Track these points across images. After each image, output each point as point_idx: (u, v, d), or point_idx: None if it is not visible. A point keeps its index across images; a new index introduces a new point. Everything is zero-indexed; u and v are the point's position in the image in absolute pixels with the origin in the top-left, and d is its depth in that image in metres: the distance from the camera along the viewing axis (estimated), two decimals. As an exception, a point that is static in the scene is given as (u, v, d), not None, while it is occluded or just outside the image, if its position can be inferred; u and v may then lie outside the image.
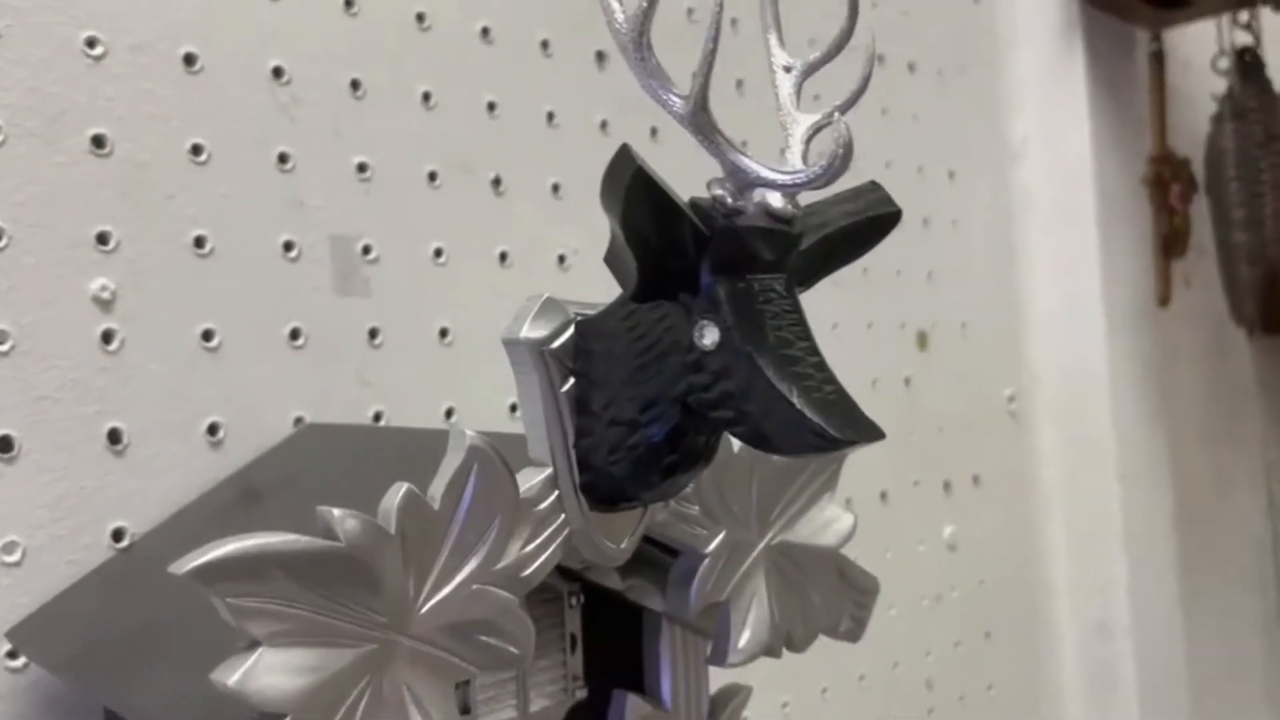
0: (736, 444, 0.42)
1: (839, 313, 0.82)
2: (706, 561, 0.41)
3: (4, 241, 0.47)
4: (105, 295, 0.49)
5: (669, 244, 0.32)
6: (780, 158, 0.34)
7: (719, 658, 0.43)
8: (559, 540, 0.37)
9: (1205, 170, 1.02)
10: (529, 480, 0.36)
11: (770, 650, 0.44)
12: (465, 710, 0.41)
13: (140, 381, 0.50)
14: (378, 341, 0.58)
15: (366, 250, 0.58)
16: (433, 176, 0.60)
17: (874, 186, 0.36)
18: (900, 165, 0.88)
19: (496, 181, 0.63)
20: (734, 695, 0.49)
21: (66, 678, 0.43)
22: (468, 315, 0.60)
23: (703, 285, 0.32)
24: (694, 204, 0.32)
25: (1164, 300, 1.00)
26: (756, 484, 0.44)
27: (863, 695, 0.82)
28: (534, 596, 0.43)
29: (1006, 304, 0.96)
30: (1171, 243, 0.99)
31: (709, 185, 0.33)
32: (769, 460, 0.44)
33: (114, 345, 0.50)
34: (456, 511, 0.34)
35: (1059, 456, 0.97)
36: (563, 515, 0.37)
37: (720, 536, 0.42)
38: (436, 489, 0.34)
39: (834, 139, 0.31)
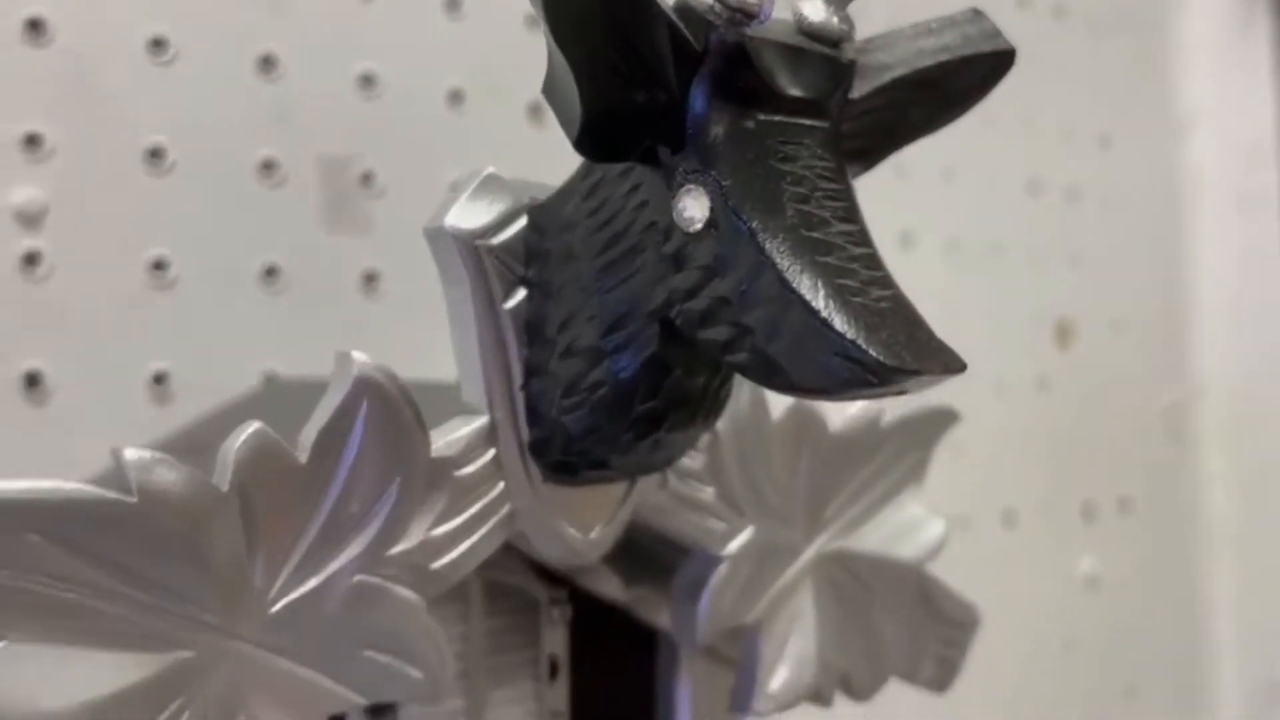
0: (773, 399, 0.31)
1: (957, 296, 0.69)
2: (724, 568, 0.30)
3: (-94, 136, 0.39)
4: (32, 208, 0.41)
5: (634, 62, 0.20)
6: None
7: (741, 702, 0.31)
8: (494, 520, 0.26)
9: None
10: (452, 433, 0.25)
11: (817, 696, 0.32)
12: (388, 753, 0.31)
13: (72, 316, 0.41)
14: (375, 288, 0.48)
15: (366, 178, 0.48)
16: (455, 96, 0.51)
17: (975, 15, 0.24)
18: (1042, 125, 0.74)
19: (535, 109, 0.52)
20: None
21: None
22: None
23: (688, 128, 0.21)
24: (681, 4, 0.21)
25: (1361, 302, 0.83)
26: (806, 467, 0.32)
27: None
28: (495, 605, 0.32)
29: (1168, 298, 0.81)
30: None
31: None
32: (824, 436, 0.32)
33: (41, 270, 0.41)
34: (334, 469, 0.24)
35: (1228, 481, 0.81)
36: (500, 485, 0.26)
37: (746, 534, 0.30)
38: (306, 436, 0.24)
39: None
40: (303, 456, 0.23)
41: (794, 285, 0.19)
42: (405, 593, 0.24)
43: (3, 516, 0.20)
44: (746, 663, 0.31)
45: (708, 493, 0.29)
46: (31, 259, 0.41)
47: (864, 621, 0.33)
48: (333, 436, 0.24)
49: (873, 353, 0.19)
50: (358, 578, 0.24)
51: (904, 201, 0.66)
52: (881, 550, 0.34)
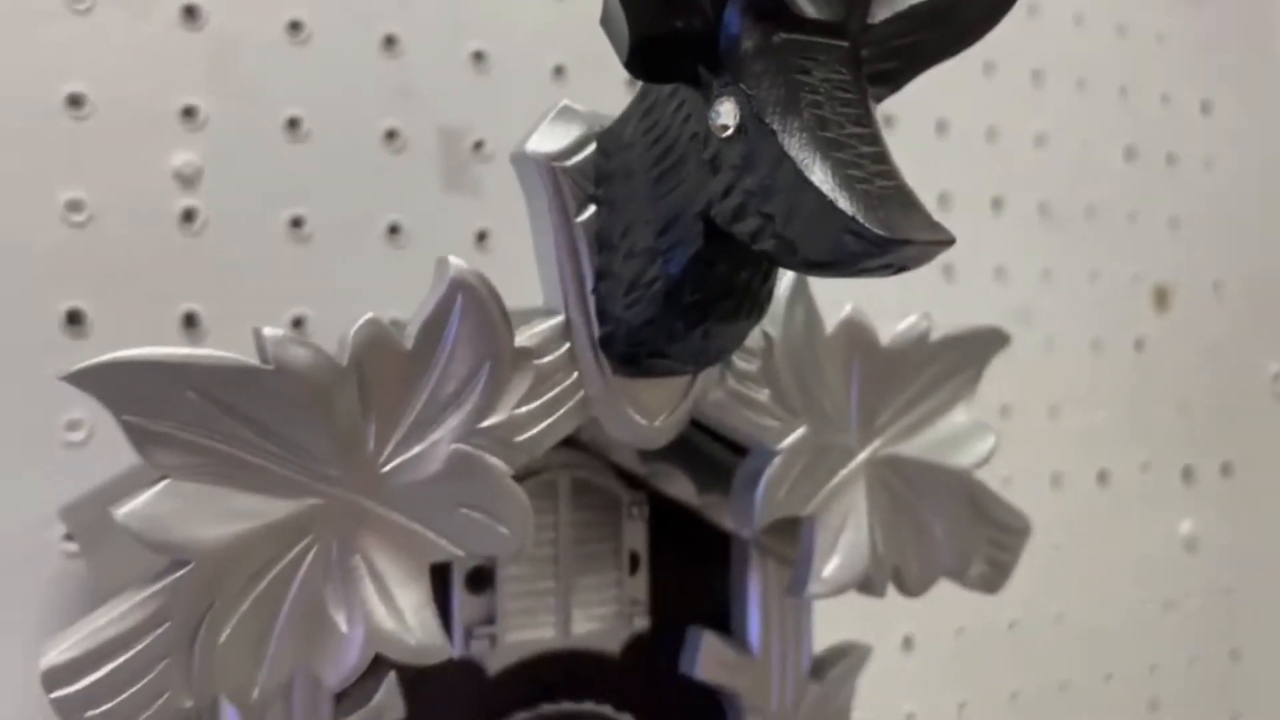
0: (826, 316, 0.34)
1: (1054, 257, 0.71)
2: (778, 460, 0.33)
3: (87, 110, 0.45)
4: (189, 171, 0.47)
5: None
6: None
7: (798, 586, 0.35)
8: (569, 405, 0.30)
9: None
10: (534, 329, 0.30)
11: (869, 584, 0.36)
12: (489, 620, 0.35)
13: (222, 265, 0.47)
14: (486, 244, 0.53)
15: (478, 146, 0.53)
16: (559, 71, 0.55)
17: (983, -48, 0.27)
18: (1139, 92, 0.75)
19: (630, 82, 0.57)
20: (845, 654, 0.41)
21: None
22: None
23: (722, 48, 0.25)
24: None
25: None
26: (858, 378, 0.35)
27: (1064, 704, 0.70)
28: (581, 501, 0.36)
29: (1269, 264, 0.81)
30: None
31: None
32: (875, 351, 0.35)
33: (196, 225, 0.47)
34: (434, 354, 0.28)
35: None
36: (575, 374, 0.30)
37: (799, 432, 0.34)
38: (411, 327, 0.28)
39: None
40: (408, 344, 0.28)
41: (807, 175, 0.23)
42: (494, 461, 0.29)
43: (167, 375, 0.25)
44: (803, 552, 0.35)
45: (763, 394, 0.33)
46: (189, 215, 0.47)
47: (914, 521, 0.36)
48: (433, 327, 0.28)
49: (872, 228, 0.22)
50: (454, 446, 0.28)
51: (994, 166, 0.68)
52: (932, 457, 0.36)
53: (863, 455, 0.35)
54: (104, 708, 0.25)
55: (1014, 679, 0.69)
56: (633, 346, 0.29)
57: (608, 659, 0.37)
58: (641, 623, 0.38)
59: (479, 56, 0.53)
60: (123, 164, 0.46)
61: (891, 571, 0.36)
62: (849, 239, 0.23)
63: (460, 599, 0.35)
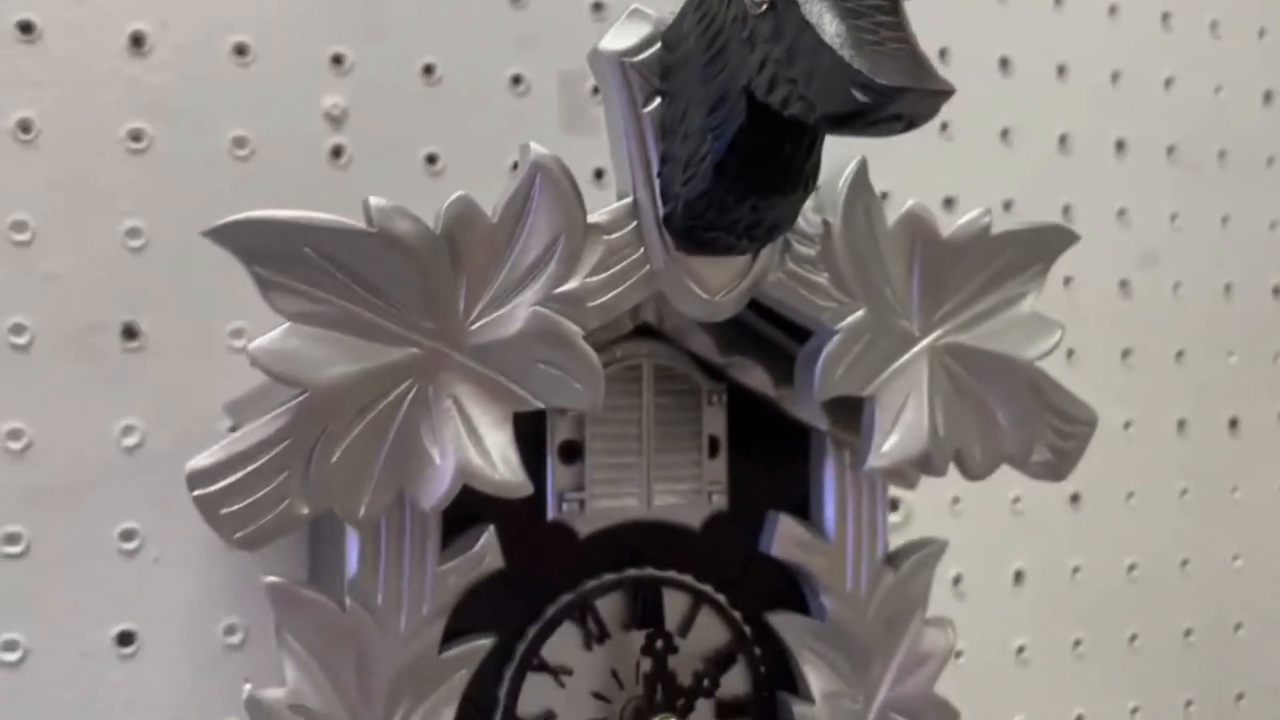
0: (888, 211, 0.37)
1: (1183, 201, 0.70)
2: (836, 339, 0.36)
3: (250, 58, 0.51)
4: (336, 112, 0.53)
5: None
6: None
7: (860, 460, 0.38)
8: (636, 277, 0.34)
9: None
10: (605, 208, 0.33)
11: (928, 464, 0.38)
12: (579, 488, 0.39)
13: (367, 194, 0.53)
14: (603, 181, 0.57)
15: (596, 90, 0.57)
16: (672, 19, 0.59)
17: None
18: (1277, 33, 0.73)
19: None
20: (922, 546, 0.43)
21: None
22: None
23: None
24: None
25: None
26: (920, 269, 0.38)
27: (1189, 652, 0.69)
28: (664, 387, 0.40)
29: None
30: None
31: None
32: (937, 243, 0.38)
33: (343, 160, 0.53)
34: (516, 229, 0.32)
35: None
36: (641, 250, 0.34)
37: (858, 314, 0.36)
38: (497, 204, 0.33)
39: None
40: (494, 218, 0.32)
41: (823, 36, 0.26)
42: (568, 323, 0.33)
43: (288, 233, 0.30)
44: (865, 430, 0.37)
45: (821, 277, 0.36)
46: (337, 151, 0.53)
47: (977, 407, 0.38)
48: (515, 203, 0.32)
49: (877, 79, 0.25)
50: (534, 308, 0.32)
51: (1118, 109, 0.68)
52: (995, 347, 0.38)
53: (925, 342, 0.38)
54: (236, 506, 0.30)
55: (1187, 687, 0.69)
56: (689, 220, 0.32)
57: (689, 533, 0.41)
58: (720, 501, 0.41)
59: (597, 6, 0.58)
60: (280, 105, 0.52)
61: (953, 454, 0.38)
62: (857, 91, 0.25)
63: (554, 467, 0.39)
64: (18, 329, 0.48)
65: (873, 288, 0.37)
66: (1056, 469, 0.40)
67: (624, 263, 0.33)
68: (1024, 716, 0.65)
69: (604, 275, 0.33)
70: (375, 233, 0.31)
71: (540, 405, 0.33)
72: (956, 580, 0.64)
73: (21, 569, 0.47)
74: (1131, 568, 0.68)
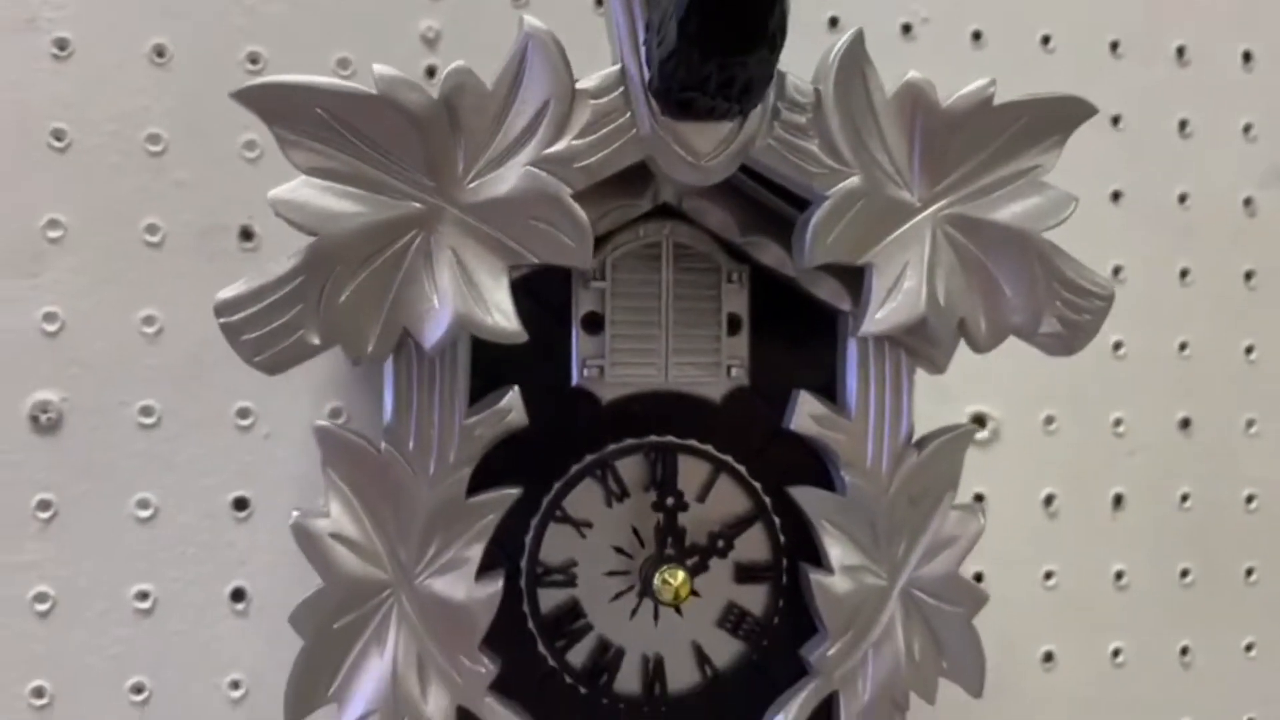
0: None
1: None
2: (827, 204, 0.37)
3: (354, -13, 0.57)
4: (430, 34, 0.57)
5: None
6: None
7: (856, 326, 0.39)
8: (623, 140, 0.36)
9: None
10: (594, 74, 0.36)
11: (931, 334, 0.39)
12: (601, 356, 0.42)
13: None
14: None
15: None
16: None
17: None
18: None
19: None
20: (949, 430, 0.44)
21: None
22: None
23: None
24: None
25: None
26: (921, 139, 0.38)
27: (1248, 591, 0.65)
28: (684, 264, 0.42)
29: None
30: None
31: None
32: (936, 113, 0.38)
33: (434, 81, 0.57)
34: (510, 96, 0.36)
35: None
36: (628, 114, 0.36)
37: (850, 181, 0.38)
38: (495, 76, 0.36)
39: None
40: (489, 85, 0.35)
41: None
42: (557, 182, 0.36)
43: (302, 95, 0.34)
44: (864, 298, 0.39)
45: (812, 144, 0.37)
46: (431, 72, 0.57)
47: (981, 277, 0.39)
48: (509, 72, 0.36)
49: None
50: (525, 168, 0.35)
51: (1241, 20, 0.65)
52: (1001, 218, 0.39)
53: (926, 212, 0.38)
54: (256, 334, 0.34)
55: (1250, 557, 0.66)
56: (665, 83, 0.35)
57: (710, 406, 0.43)
58: (740, 375, 0.43)
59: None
60: (380, 29, 0.57)
61: (956, 324, 0.39)
62: None
63: (578, 336, 0.42)
64: (152, 229, 0.54)
65: (867, 156, 0.38)
66: (1068, 342, 0.39)
67: (610, 127, 0.36)
68: (1121, 643, 0.63)
69: (591, 138, 0.36)
70: (381, 97, 0.35)
71: (534, 259, 0.36)
72: (1049, 500, 0.63)
73: (154, 438, 0.54)
74: (1250, 499, 0.65)
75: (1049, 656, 0.63)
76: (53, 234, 0.53)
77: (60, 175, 0.53)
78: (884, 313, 0.38)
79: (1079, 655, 0.63)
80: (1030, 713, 0.62)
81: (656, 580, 0.41)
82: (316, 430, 0.39)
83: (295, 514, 0.39)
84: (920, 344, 0.42)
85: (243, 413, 0.55)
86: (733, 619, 0.43)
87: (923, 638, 0.44)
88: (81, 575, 0.54)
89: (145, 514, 0.54)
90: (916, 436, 0.43)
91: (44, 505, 0.53)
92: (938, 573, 0.44)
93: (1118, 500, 0.64)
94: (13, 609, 0.53)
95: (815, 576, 0.43)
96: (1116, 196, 0.64)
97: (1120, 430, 0.64)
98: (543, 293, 0.42)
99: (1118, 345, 0.63)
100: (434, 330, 0.35)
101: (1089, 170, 0.62)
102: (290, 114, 0.34)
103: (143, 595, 0.54)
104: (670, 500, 0.42)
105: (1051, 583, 0.62)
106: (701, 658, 0.43)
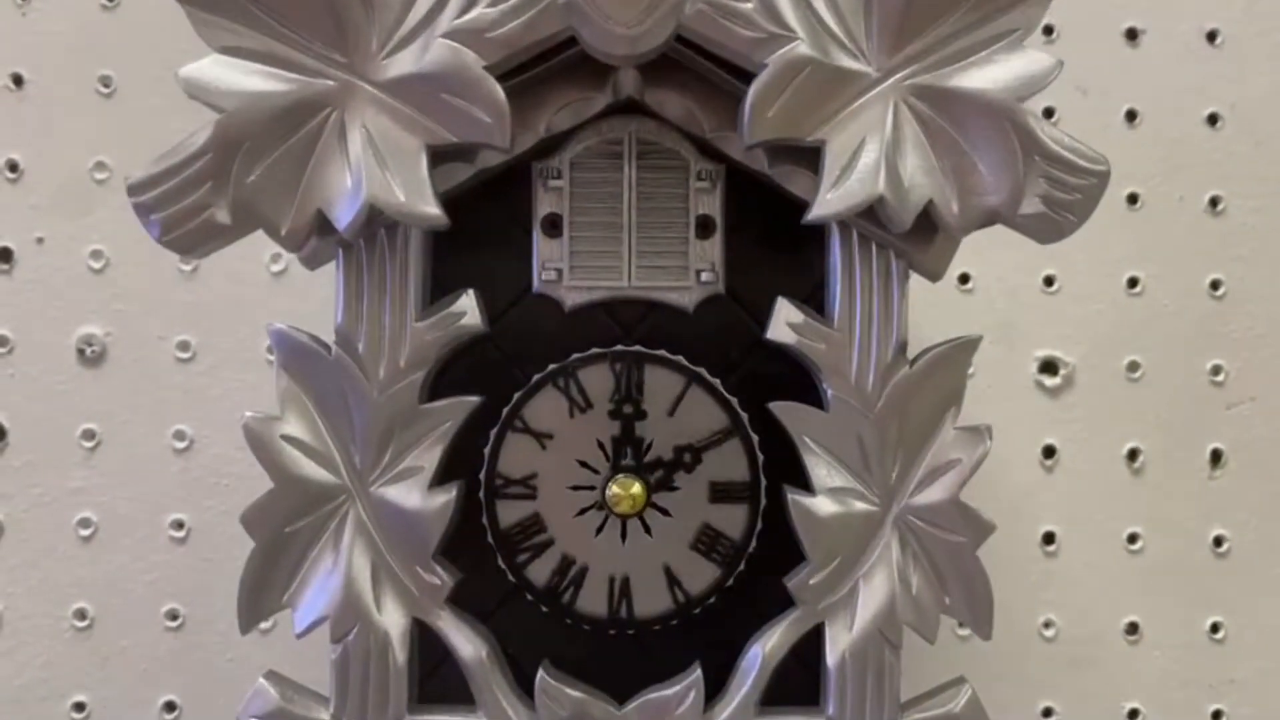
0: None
1: None
2: (765, 74, 0.34)
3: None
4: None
5: None
6: None
7: (809, 211, 0.35)
8: (540, 7, 0.34)
9: None
10: (511, -60, 0.34)
11: (892, 215, 0.35)
12: (559, 258, 0.40)
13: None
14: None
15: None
16: None
17: None
18: None
19: None
20: (948, 342, 0.39)
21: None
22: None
23: None
24: None
25: None
26: (877, 3, 0.35)
27: None
28: (650, 162, 0.40)
29: None
30: None
31: None
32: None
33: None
34: (422, -35, 0.34)
35: None
36: (545, -23, 0.34)
37: (792, 47, 0.34)
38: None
39: None
40: (404, -42, 0.34)
41: None
42: (469, 53, 0.34)
43: (213, -28, 0.34)
44: (818, 180, 0.35)
45: (746, 5, 0.34)
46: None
47: (951, 153, 0.35)
48: (423, -57, 0.34)
49: None
50: (438, 39, 0.34)
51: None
52: (972, 85, 0.35)
53: (887, 84, 0.35)
54: (165, 212, 0.34)
55: None
56: None
57: (681, 313, 0.40)
58: (710, 281, 0.40)
59: None
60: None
61: (921, 205, 0.35)
62: None
63: (538, 239, 0.40)
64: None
65: (814, 18, 0.34)
66: (1057, 225, 0.35)
67: (525, -11, 0.34)
68: (1220, 617, 0.56)
69: (505, 6, 0.34)
70: (286, -31, 0.34)
71: (450, 137, 0.35)
72: (1133, 455, 0.57)
73: (189, 372, 0.56)
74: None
75: (1133, 628, 0.56)
76: (100, 175, 0.56)
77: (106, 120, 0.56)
78: (836, 193, 0.35)
79: (1170, 629, 0.56)
80: (1112, 688, 0.56)
81: (610, 491, 0.38)
82: (271, 332, 0.39)
83: (247, 414, 0.39)
84: (912, 244, 0.38)
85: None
86: (706, 541, 0.40)
87: (922, 570, 0.40)
88: (120, 501, 0.55)
89: (181, 445, 0.56)
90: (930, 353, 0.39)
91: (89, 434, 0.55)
92: (937, 498, 0.40)
93: (1216, 457, 0.57)
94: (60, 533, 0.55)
95: (796, 497, 0.39)
96: (1214, 120, 0.57)
97: (1219, 379, 0.57)
98: (505, 194, 0.40)
99: (1215, 284, 0.56)
100: (347, 211, 0.34)
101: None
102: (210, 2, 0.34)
103: (178, 524, 0.55)
104: (628, 409, 0.39)
105: (1136, 546, 0.56)
106: (672, 580, 0.40)
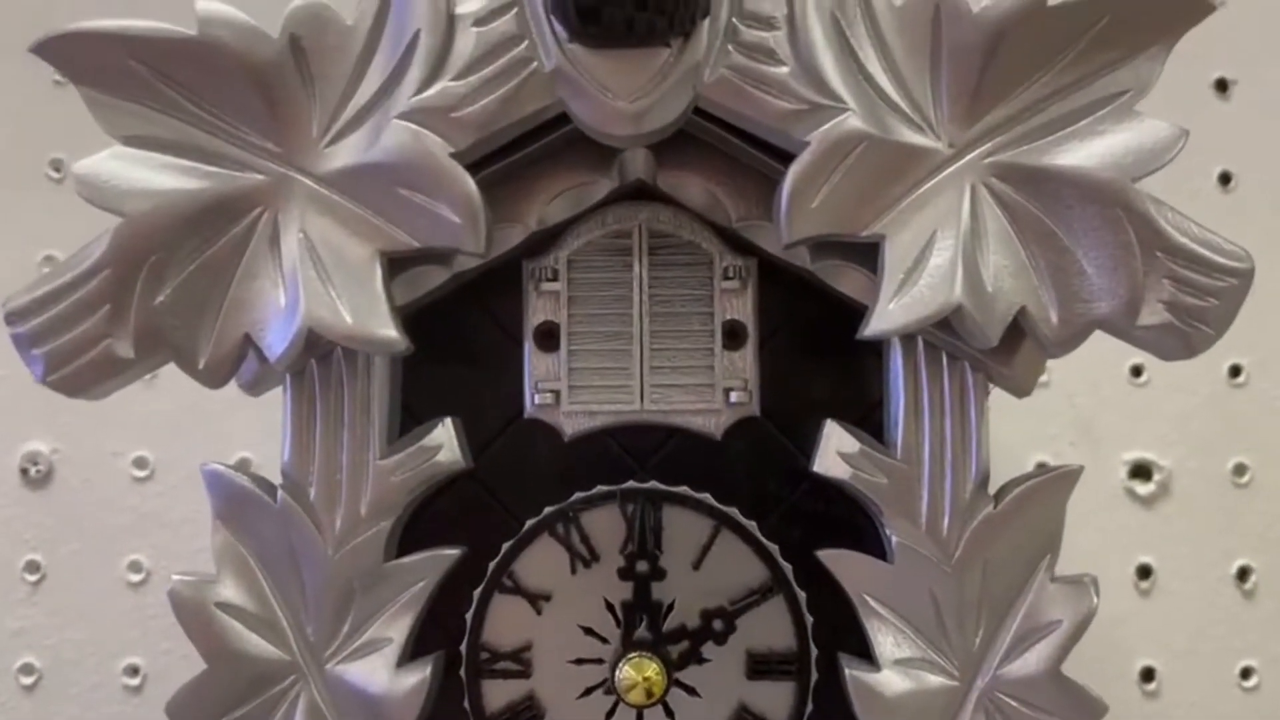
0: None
1: None
2: (807, 154, 0.27)
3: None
4: None
5: None
6: None
7: (864, 324, 0.28)
8: (521, 78, 0.27)
9: None
10: (481, -2, 0.27)
11: (972, 328, 0.28)
12: (555, 376, 0.33)
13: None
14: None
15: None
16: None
17: None
18: None
19: None
20: (1041, 474, 0.32)
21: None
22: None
23: None
24: None
25: None
26: (950, 60, 0.28)
27: None
28: (665, 258, 0.33)
29: None
30: None
31: None
32: (969, 23, 0.27)
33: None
34: (376, 31, 0.27)
35: None
36: (525, 43, 0.27)
37: (842, 119, 0.27)
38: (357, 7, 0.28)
39: None
40: (351, 21, 0.28)
41: None
42: (432, 137, 0.27)
43: (112, 45, 0.27)
44: (877, 282, 0.28)
45: (782, 70, 0.27)
46: None
47: (1048, 249, 0.27)
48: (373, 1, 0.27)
49: None
50: (394, 122, 0.27)
51: None
52: (1075, 163, 0.27)
53: (961, 162, 0.27)
54: (50, 345, 0.27)
55: None
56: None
57: (707, 441, 0.33)
58: (742, 401, 0.33)
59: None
60: None
61: (1010, 316, 0.27)
62: None
63: (530, 354, 0.33)
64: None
65: (867, 85, 0.27)
66: (1186, 339, 0.27)
67: (503, 60, 0.27)
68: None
69: (476, 78, 0.27)
70: (206, 41, 0.27)
71: (412, 243, 0.28)
72: (1243, 574, 0.48)
73: (145, 493, 0.49)
74: None
75: (1251, 782, 0.48)
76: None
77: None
78: (901, 302, 0.27)
79: (1295, 782, 0.48)
80: None
81: (620, 674, 0.31)
82: (204, 474, 0.32)
83: (175, 577, 0.32)
84: (990, 353, 0.31)
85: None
86: (743, 727, 0.33)
87: (1014, 763, 0.32)
88: (66, 645, 0.48)
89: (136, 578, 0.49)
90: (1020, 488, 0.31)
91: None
92: (1032, 670, 0.32)
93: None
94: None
95: (856, 674, 0.32)
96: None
97: (1342, 479, 0.49)
98: (490, 300, 0.34)
99: (1334, 370, 0.49)
100: (280, 338, 0.27)
101: None
102: (100, 69, 0.27)
103: (133, 670, 0.48)
104: (643, 565, 0.32)
105: (1251, 682, 0.48)
106: (703, 779, 0.33)
